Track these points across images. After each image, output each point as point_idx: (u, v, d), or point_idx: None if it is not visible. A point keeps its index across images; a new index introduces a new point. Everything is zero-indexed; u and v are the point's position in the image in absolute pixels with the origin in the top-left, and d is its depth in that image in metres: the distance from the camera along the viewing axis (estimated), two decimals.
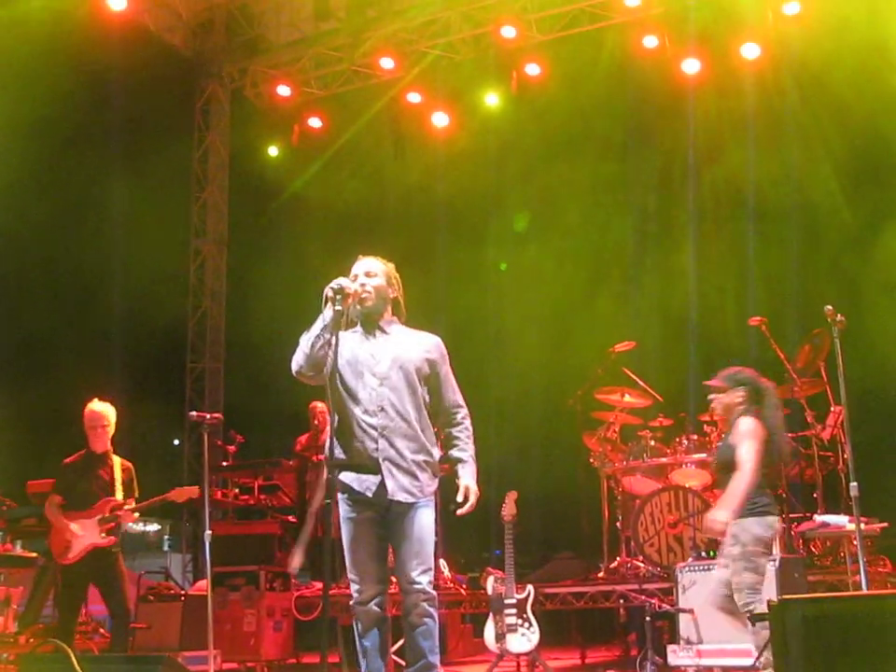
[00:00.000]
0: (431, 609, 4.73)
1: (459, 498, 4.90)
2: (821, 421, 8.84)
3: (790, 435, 8.93)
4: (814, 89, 11.39)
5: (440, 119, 13.52)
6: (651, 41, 12.06)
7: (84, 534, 6.86)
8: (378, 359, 4.86)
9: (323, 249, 12.88)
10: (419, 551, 4.74)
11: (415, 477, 4.78)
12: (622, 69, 12.31)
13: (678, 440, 8.95)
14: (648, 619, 6.91)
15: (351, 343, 4.89)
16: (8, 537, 9.02)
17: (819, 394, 9.02)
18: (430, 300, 13.81)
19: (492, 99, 13.41)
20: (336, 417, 4.75)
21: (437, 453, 4.93)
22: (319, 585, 9.07)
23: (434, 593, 4.77)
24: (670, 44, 12.07)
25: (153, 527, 24.27)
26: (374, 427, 4.77)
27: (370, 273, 4.96)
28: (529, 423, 13.30)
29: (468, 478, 4.94)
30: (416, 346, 4.96)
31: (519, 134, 13.60)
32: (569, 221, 13.50)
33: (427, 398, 4.94)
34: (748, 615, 5.41)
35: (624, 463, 9.15)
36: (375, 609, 4.76)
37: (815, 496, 8.70)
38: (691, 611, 6.66)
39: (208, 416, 6.93)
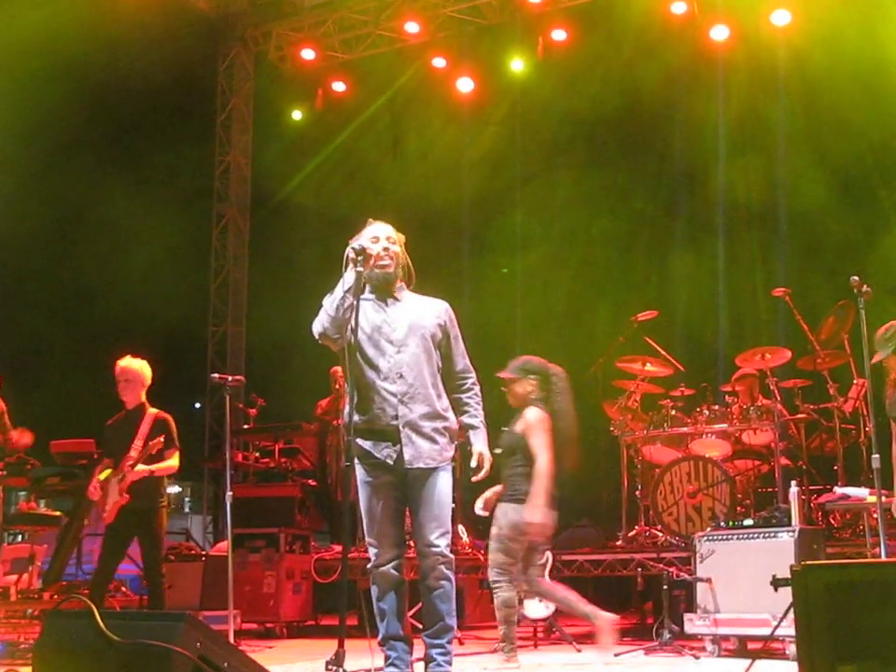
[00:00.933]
0: (449, 573, 4.75)
1: (473, 464, 4.91)
2: (844, 393, 8.79)
3: (811, 406, 8.94)
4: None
5: (465, 85, 13.43)
6: (679, 7, 11.92)
7: (111, 493, 6.89)
8: (394, 326, 4.86)
9: (348, 213, 12.87)
10: (437, 514, 4.75)
11: (434, 441, 4.78)
12: (650, 36, 12.17)
13: (699, 409, 8.92)
14: (665, 587, 6.93)
15: (366, 310, 4.87)
16: (33, 496, 9.12)
17: (843, 366, 8.96)
18: (458, 263, 13.85)
19: (518, 65, 13.33)
20: (354, 383, 4.74)
21: (454, 418, 4.94)
22: (338, 548, 9.13)
23: (451, 556, 4.79)
24: (699, 10, 11.94)
25: (174, 489, 24.46)
26: (393, 394, 4.78)
27: (390, 238, 4.95)
28: None
29: (480, 444, 4.95)
30: (429, 312, 4.96)
31: (545, 104, 13.51)
32: (595, 191, 13.42)
33: (440, 363, 4.95)
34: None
35: (645, 432, 9.12)
36: (393, 572, 4.79)
37: (835, 468, 8.67)
38: (708, 580, 6.67)
39: (230, 379, 6.93)
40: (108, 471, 6.95)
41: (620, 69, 12.44)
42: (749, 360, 9.10)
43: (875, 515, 5.71)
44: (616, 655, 6.71)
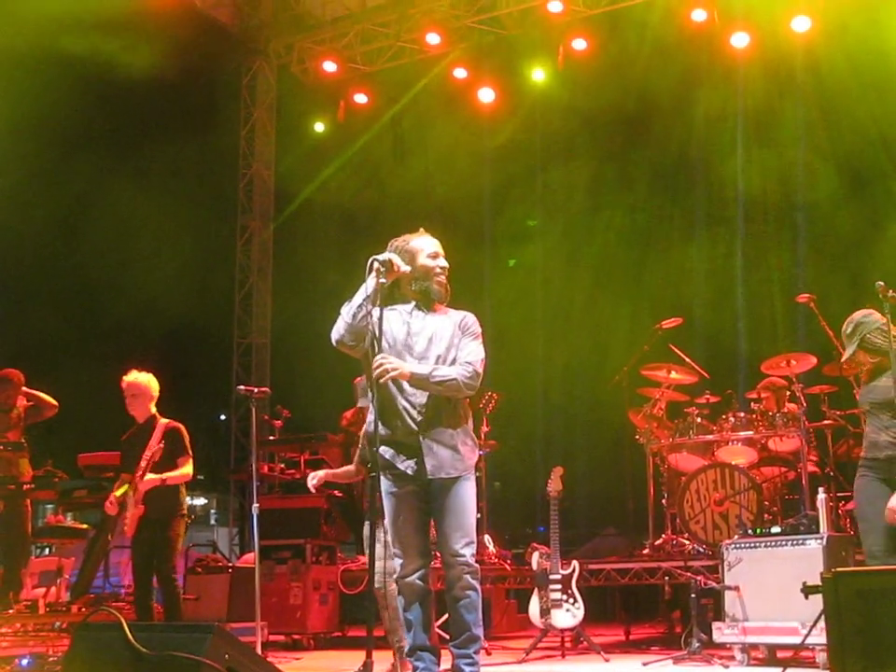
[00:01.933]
0: (474, 582, 4.74)
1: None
2: None
3: (837, 412, 8.89)
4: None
5: (486, 95, 13.46)
6: (699, 14, 11.90)
7: (129, 506, 6.92)
8: (417, 339, 4.87)
9: (370, 224, 12.93)
10: (461, 523, 4.75)
11: (456, 451, 4.78)
12: (670, 43, 12.16)
13: (724, 417, 8.87)
14: (693, 596, 6.89)
15: (391, 321, 4.89)
16: (60, 508, 9.17)
17: None
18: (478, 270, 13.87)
19: (539, 74, 13.34)
20: (377, 394, 4.74)
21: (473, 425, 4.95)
22: (364, 559, 9.13)
23: (477, 565, 4.78)
24: (719, 18, 11.91)
25: (200, 501, 24.57)
26: (414, 406, 4.79)
27: (440, 253, 5.00)
28: (576, 399, 13.28)
29: (408, 364, 4.75)
30: (449, 324, 4.95)
31: (566, 112, 13.52)
32: (617, 199, 13.41)
33: None
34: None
35: (671, 440, 9.09)
36: (419, 582, 4.79)
37: None
38: (736, 589, 6.63)
39: (255, 390, 6.96)
40: (126, 486, 6.97)
41: (640, 77, 12.43)
42: (774, 367, 9.05)
43: None
44: (644, 665, 6.69)
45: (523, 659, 7.28)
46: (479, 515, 5.28)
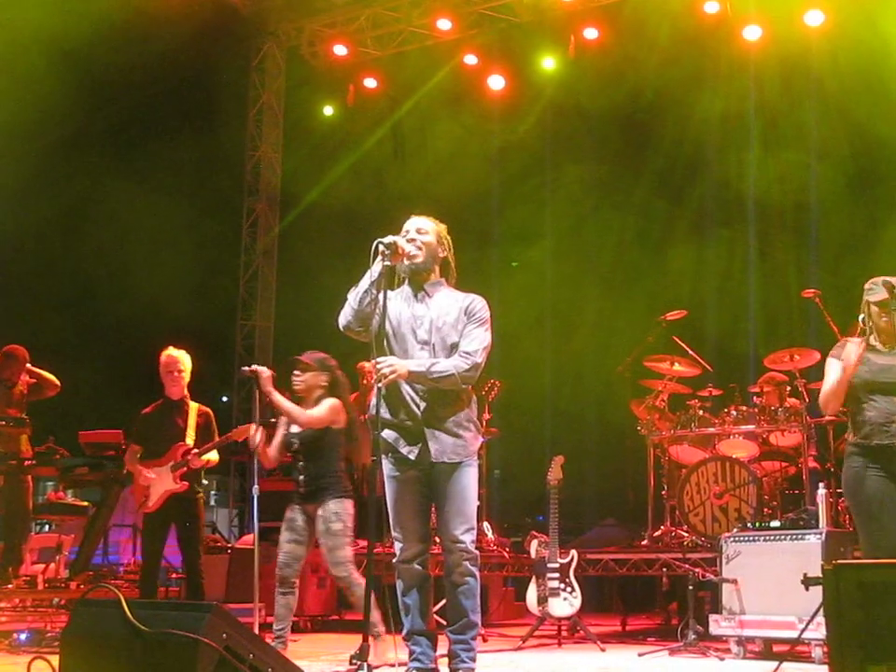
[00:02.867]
0: (473, 569, 4.75)
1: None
2: None
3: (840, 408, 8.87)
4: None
5: (496, 82, 13.44)
6: (712, 6, 11.85)
7: (159, 481, 6.93)
8: (420, 323, 4.84)
9: (377, 209, 12.90)
10: (462, 509, 4.75)
11: (459, 436, 4.77)
12: (681, 35, 12.11)
13: (726, 410, 8.87)
14: (690, 588, 6.90)
15: (397, 305, 4.88)
16: (61, 485, 9.19)
17: None
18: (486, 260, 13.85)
19: (549, 63, 13.31)
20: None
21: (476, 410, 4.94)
22: (363, 543, 9.14)
23: (476, 552, 4.80)
24: (732, 10, 11.87)
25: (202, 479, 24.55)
26: (418, 392, 4.78)
27: (421, 229, 4.92)
28: (578, 389, 13.27)
29: (406, 362, 4.69)
30: (455, 308, 4.88)
31: (577, 101, 13.48)
32: (626, 189, 13.38)
33: None
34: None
35: (672, 432, 9.08)
36: (418, 567, 4.80)
37: None
38: (734, 582, 6.63)
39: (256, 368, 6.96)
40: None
41: (652, 68, 12.37)
42: (777, 362, 9.04)
43: None
44: (640, 655, 6.70)
45: (519, 647, 7.29)
46: (478, 503, 5.27)
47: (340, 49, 13.87)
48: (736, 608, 6.59)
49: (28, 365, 8.16)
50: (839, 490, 8.59)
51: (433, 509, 4.93)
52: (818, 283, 10.05)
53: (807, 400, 8.75)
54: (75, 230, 13.24)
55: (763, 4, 11.79)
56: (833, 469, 8.76)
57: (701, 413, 8.97)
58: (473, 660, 4.77)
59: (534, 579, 7.53)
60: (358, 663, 4.30)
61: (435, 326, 4.82)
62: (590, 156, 13.83)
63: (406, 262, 4.86)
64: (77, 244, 13.25)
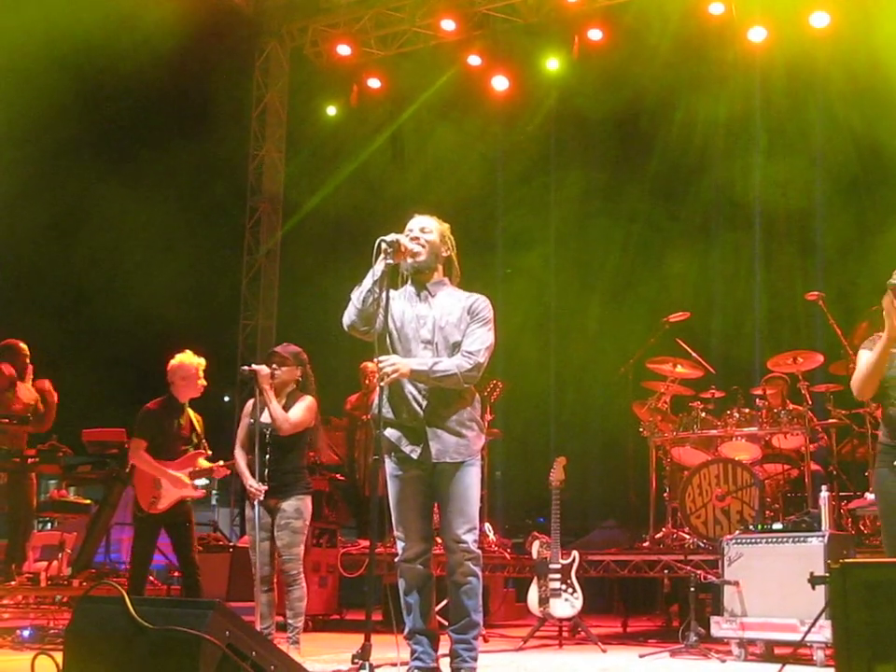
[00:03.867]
0: (476, 569, 4.75)
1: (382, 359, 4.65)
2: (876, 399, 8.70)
3: (842, 411, 8.89)
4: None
5: (500, 83, 13.44)
6: (717, 7, 11.85)
7: (175, 485, 6.87)
8: (423, 322, 4.83)
9: (380, 208, 12.90)
10: (464, 509, 4.75)
11: (461, 436, 4.77)
12: (686, 36, 12.11)
13: (729, 412, 8.87)
14: (692, 589, 6.90)
15: (400, 304, 4.88)
16: (63, 483, 9.19)
17: None
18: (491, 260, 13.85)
19: (553, 64, 13.31)
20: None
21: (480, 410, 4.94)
22: (365, 543, 9.15)
23: (479, 552, 4.79)
24: (737, 12, 11.86)
25: (202, 481, 24.54)
26: (420, 392, 4.78)
27: (424, 228, 4.92)
28: (580, 391, 13.28)
29: (408, 361, 4.69)
30: (458, 308, 4.87)
31: (581, 102, 13.48)
32: (630, 191, 13.38)
33: None
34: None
35: (674, 434, 9.09)
36: (420, 567, 4.80)
37: (866, 474, 8.60)
38: (736, 584, 6.63)
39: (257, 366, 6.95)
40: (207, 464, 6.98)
41: (656, 69, 12.37)
42: (780, 364, 9.05)
43: None
44: (641, 657, 6.70)
45: (520, 647, 7.29)
46: (480, 504, 5.27)
47: (343, 50, 13.88)
48: (738, 610, 6.59)
49: (49, 392, 8.23)
50: (842, 493, 8.62)
51: (436, 508, 4.93)
52: (821, 286, 10.04)
53: (810, 403, 8.75)
54: (74, 233, 13.24)
55: (768, 5, 11.77)
56: (835, 472, 8.77)
57: (703, 415, 8.97)
58: (475, 660, 4.76)
59: (535, 580, 7.53)
60: (360, 662, 4.30)
61: (438, 325, 4.82)
62: (593, 158, 13.83)
63: (409, 261, 4.86)
64: (77, 247, 13.24)
